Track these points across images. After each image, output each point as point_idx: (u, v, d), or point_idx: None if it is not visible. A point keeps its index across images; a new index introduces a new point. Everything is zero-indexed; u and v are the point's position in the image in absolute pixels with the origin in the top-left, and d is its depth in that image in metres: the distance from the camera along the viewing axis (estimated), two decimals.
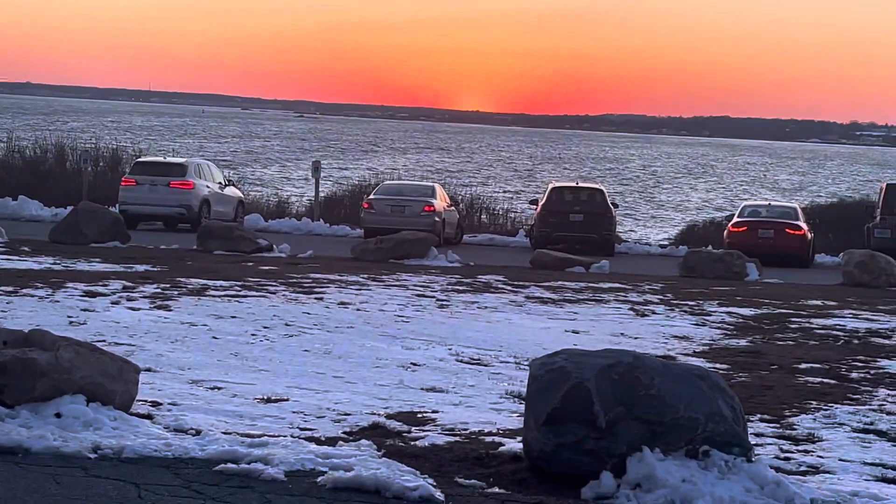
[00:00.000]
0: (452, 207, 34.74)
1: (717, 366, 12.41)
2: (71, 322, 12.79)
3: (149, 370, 10.31)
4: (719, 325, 16.36)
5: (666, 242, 39.38)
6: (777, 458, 8.37)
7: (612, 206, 33.76)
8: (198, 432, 8.02)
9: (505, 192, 61.60)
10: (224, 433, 8.03)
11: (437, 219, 31.79)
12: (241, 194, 36.06)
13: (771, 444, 8.87)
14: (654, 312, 17.38)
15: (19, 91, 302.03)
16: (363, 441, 8.06)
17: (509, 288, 19.70)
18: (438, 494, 6.95)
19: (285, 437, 8.03)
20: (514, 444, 8.04)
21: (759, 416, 9.82)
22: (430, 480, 7.18)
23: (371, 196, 33.40)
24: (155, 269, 19.36)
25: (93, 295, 15.00)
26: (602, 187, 36.05)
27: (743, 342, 14.68)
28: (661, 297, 19.65)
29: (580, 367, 7.46)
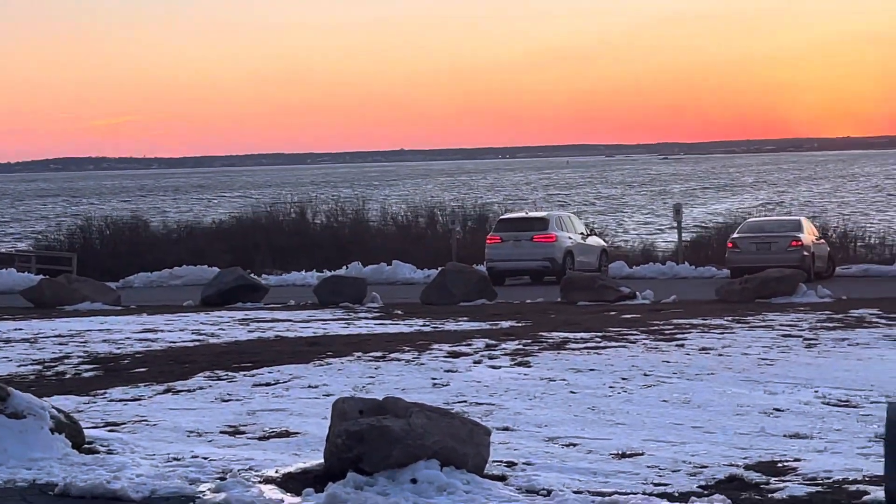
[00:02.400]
0: (822, 240, 33.55)
1: None
2: (434, 384, 13.13)
3: (506, 429, 10.44)
4: None
5: None
6: None
7: None
8: (548, 493, 8.01)
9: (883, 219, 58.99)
10: (575, 492, 7.99)
11: (805, 253, 30.75)
12: (604, 243, 36.15)
13: None
14: None
15: (395, 158, 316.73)
16: (716, 495, 7.83)
17: (884, 322, 18.77)
18: None
19: (637, 494, 7.92)
20: (880, 492, 7.62)
21: None
22: None
23: (735, 235, 32.70)
24: (519, 324, 19.64)
25: (456, 355, 15.36)
26: None
27: None
28: None
29: None
